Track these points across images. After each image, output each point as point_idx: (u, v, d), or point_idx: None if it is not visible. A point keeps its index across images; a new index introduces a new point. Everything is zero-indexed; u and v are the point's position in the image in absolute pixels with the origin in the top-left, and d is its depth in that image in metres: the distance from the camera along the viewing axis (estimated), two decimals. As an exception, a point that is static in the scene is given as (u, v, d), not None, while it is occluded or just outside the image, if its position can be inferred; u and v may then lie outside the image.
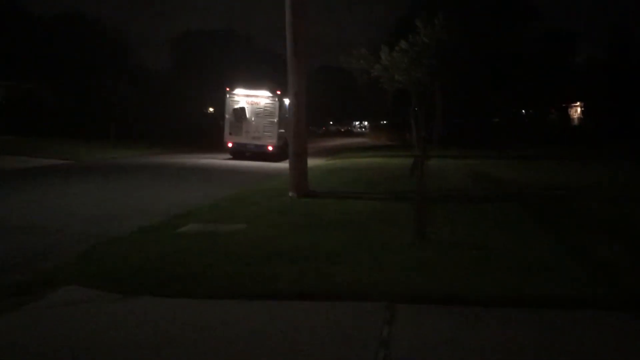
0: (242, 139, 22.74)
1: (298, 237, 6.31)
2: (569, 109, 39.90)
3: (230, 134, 22.90)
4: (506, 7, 30.36)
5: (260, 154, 22.23)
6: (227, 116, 23.29)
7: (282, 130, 22.31)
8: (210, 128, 43.05)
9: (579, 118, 39.65)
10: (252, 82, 24.13)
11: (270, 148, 22.59)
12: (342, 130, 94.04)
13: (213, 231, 6.74)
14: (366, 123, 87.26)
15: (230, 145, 22.94)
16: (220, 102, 26.64)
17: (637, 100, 32.12)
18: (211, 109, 52.78)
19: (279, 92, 22.83)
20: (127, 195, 10.63)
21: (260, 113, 22.88)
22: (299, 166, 9.79)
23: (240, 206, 8.96)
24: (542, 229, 7.32)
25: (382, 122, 55.98)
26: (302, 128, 9.77)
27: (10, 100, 32.00)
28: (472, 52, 26.13)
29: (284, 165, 18.90)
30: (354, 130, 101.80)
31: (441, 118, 30.11)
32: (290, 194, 9.80)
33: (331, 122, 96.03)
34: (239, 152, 22.91)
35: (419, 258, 5.35)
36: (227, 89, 23.60)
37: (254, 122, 22.98)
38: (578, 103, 39.18)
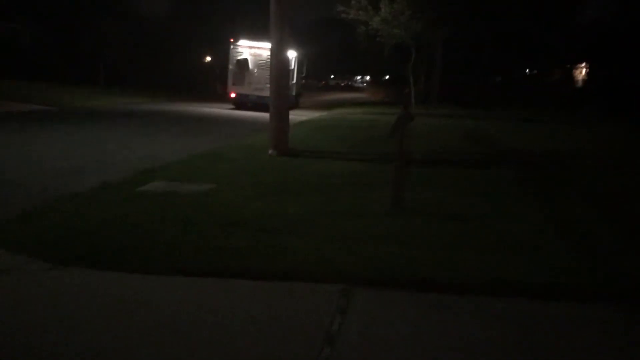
0: (245, 90, 22.93)
1: (265, 202, 5.81)
2: (574, 70, 38.71)
3: (233, 84, 23.21)
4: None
5: (262, 105, 20.12)
6: (230, 67, 23.53)
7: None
8: (207, 77, 42.17)
9: (583, 79, 38.52)
10: (256, 34, 23.33)
11: None
12: (342, 84, 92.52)
13: (175, 191, 6.23)
14: (368, 78, 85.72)
15: (233, 95, 23.31)
16: (221, 52, 28.18)
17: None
18: (208, 58, 51.49)
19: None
20: (100, 147, 10.07)
21: (263, 65, 22.15)
22: (279, 123, 9.23)
23: (215, 163, 8.44)
24: (532, 200, 6.83)
25: (383, 78, 54.86)
26: (283, 82, 9.17)
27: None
28: (474, 5, 25.08)
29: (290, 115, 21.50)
30: (355, 85, 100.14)
31: (440, 75, 29.26)
32: (269, 151, 9.27)
33: (332, 76, 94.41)
34: (242, 103, 22.99)
35: (391, 231, 4.87)
36: (231, 40, 23.73)
37: (256, 74, 22.94)
38: (583, 64, 37.98)
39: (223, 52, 26.67)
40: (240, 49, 23.52)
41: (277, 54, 9.04)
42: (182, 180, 6.95)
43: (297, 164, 8.47)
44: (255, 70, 23.34)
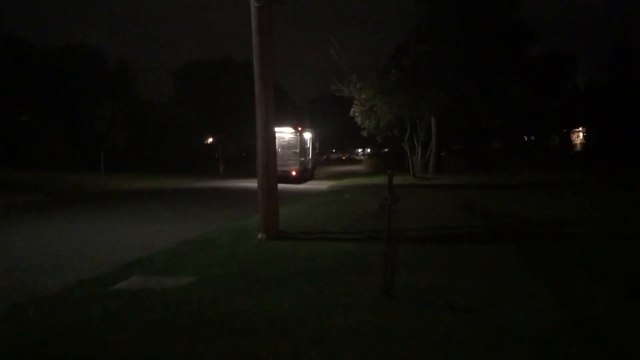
0: None
1: (247, 296, 5.40)
2: (571, 134, 39.05)
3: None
4: (505, 31, 29.84)
5: (285, 178, 26.09)
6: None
7: (302, 159, 29.54)
8: (212, 156, 43.13)
9: (581, 143, 38.77)
10: (278, 121, 25.44)
11: (293, 173, 28.51)
12: (343, 158, 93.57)
13: (152, 288, 5.86)
14: (368, 150, 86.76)
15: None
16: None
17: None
18: (211, 139, 52.52)
19: (299, 129, 29.49)
20: (87, 237, 9.75)
21: (285, 145, 28.18)
22: (268, 205, 8.93)
23: (201, 251, 8.11)
24: (539, 280, 6.25)
25: (383, 150, 55.61)
26: (272, 162, 8.94)
27: (4, 132, 31.61)
28: (470, 76, 25.55)
29: (303, 186, 27.08)
30: (356, 157, 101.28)
31: (437, 145, 29.37)
32: (259, 235, 8.93)
33: (334, 150, 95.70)
34: None
35: (379, 327, 4.42)
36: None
37: (280, 153, 25.42)
38: (580, 128, 38.35)
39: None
40: None
41: (264, 134, 8.89)
42: (162, 274, 6.60)
43: (287, 248, 8.09)
44: (280, 150, 25.67)
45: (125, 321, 4.62)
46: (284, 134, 28.78)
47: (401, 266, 6.40)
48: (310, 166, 32.46)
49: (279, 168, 24.03)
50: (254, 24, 8.77)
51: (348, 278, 6.18)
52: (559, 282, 6.15)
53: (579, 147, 38.86)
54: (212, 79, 57.68)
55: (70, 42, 44.72)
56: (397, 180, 22.10)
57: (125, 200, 17.49)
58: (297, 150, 29.34)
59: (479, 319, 4.66)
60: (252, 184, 19.42)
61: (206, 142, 49.10)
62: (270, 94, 8.82)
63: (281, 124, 27.76)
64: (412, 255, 7.37)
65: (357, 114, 27.70)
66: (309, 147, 32.09)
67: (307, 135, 31.70)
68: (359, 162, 79.86)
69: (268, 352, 3.89)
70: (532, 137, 37.97)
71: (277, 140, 25.67)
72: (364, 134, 28.90)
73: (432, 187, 22.10)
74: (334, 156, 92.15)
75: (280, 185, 21.87)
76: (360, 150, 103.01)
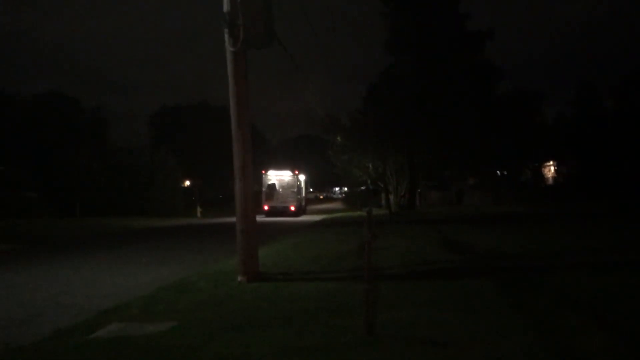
0: (274, 203, 35.27)
1: (228, 341, 5.33)
2: (542, 168, 39.91)
3: (266, 200, 35.41)
4: (473, 69, 30.70)
5: (286, 212, 34.54)
6: (263, 189, 35.62)
7: (299, 197, 36.26)
8: (189, 199, 43.14)
9: (552, 177, 39.64)
10: (278, 166, 37.77)
11: (292, 208, 35.05)
12: (321, 197, 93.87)
13: (130, 335, 5.75)
14: (345, 189, 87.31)
15: (266, 208, 35.14)
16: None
17: (608, 156, 32.18)
18: (187, 182, 52.40)
19: (296, 172, 36.56)
20: (65, 284, 9.53)
21: (285, 186, 35.78)
22: (247, 247, 8.89)
23: (180, 295, 8.00)
24: (517, 314, 6.29)
25: (360, 189, 56.01)
26: (249, 204, 8.95)
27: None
28: (438, 115, 26.18)
29: (300, 219, 32.83)
30: (333, 196, 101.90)
31: (410, 184, 29.76)
32: (238, 278, 8.86)
33: (311, 189, 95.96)
34: (272, 212, 34.53)
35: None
36: (263, 172, 36.22)
37: (281, 192, 35.54)
38: (551, 162, 39.27)
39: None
40: (269, 177, 35.91)
41: (241, 177, 8.93)
42: (141, 320, 6.48)
43: (267, 290, 8.04)
44: (280, 190, 35.52)
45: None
46: (284, 176, 36.07)
47: (382, 303, 6.44)
48: (304, 203, 39.75)
49: (281, 204, 34.66)
50: (230, 69, 8.93)
51: (330, 318, 6.16)
52: (538, 315, 6.22)
53: (550, 181, 39.70)
54: (188, 123, 58.13)
55: (44, 90, 44.84)
56: (375, 216, 22.43)
57: (102, 245, 17.20)
58: (295, 190, 35.91)
59: (461, 354, 4.70)
60: (228, 221, 19.55)
61: (183, 185, 48.91)
62: (247, 137, 8.92)
63: (281, 167, 36.67)
64: (393, 292, 7.41)
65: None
66: (303, 187, 39.21)
67: (302, 177, 38.61)
68: (336, 200, 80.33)
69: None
70: (505, 172, 38.69)
71: (278, 181, 35.73)
72: (340, 172, 29.95)
73: (408, 223, 22.28)
74: (311, 195, 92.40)
75: (281, 218, 29.12)
76: (337, 188, 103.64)
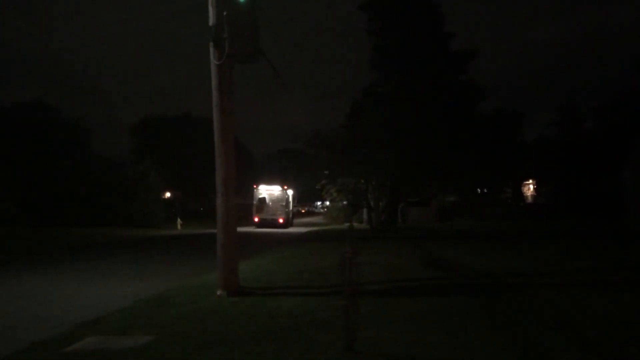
0: (264, 215, 38.32)
1: (207, 357, 5.29)
2: (522, 187, 40.42)
3: (257, 212, 38.49)
4: (455, 88, 31.09)
5: (274, 224, 37.46)
6: (254, 202, 38.89)
7: (287, 210, 39.34)
8: (169, 211, 42.91)
9: (532, 195, 40.16)
10: (268, 181, 41.30)
11: (281, 220, 38.12)
12: (303, 211, 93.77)
13: (107, 349, 5.67)
14: (327, 203, 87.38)
15: (256, 220, 38.39)
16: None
17: (587, 176, 32.70)
18: (168, 194, 52.03)
19: (285, 187, 39.93)
20: (42, 297, 9.35)
21: (275, 200, 38.80)
22: (228, 261, 8.84)
23: (159, 309, 7.90)
24: (497, 332, 6.36)
25: (341, 203, 56.11)
26: (231, 217, 8.91)
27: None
28: (419, 133, 26.43)
29: (288, 230, 35.66)
30: (315, 210, 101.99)
31: (391, 199, 29.93)
32: (218, 292, 8.79)
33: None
34: (262, 224, 37.48)
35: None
36: (254, 186, 39.62)
37: (271, 205, 38.58)
38: (530, 181, 39.80)
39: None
40: (260, 191, 38.97)
41: (224, 190, 8.90)
42: (119, 334, 6.39)
43: (247, 305, 7.98)
44: (270, 203, 38.55)
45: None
46: (274, 190, 39.24)
47: (363, 320, 6.43)
48: (291, 215, 42.96)
49: (270, 217, 38.41)
50: (214, 82, 8.94)
51: (310, 334, 6.14)
52: (517, 334, 6.28)
53: (530, 199, 40.22)
54: (171, 135, 57.86)
55: (24, 99, 44.44)
56: (356, 232, 22.52)
57: (80, 256, 16.96)
58: (284, 204, 39.00)
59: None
60: (209, 232, 19.44)
61: (164, 197, 48.51)
62: (231, 151, 8.91)
63: (271, 182, 40.33)
64: (374, 309, 7.42)
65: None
66: (290, 202, 42.28)
67: (290, 192, 41.71)
68: (319, 214, 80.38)
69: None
70: (485, 190, 39.09)
71: (268, 195, 39.37)
72: (320, 187, 30.40)
73: (390, 239, 22.34)
74: (294, 209, 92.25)
75: (269, 230, 31.26)
76: (319, 202, 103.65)
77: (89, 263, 14.96)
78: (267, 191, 39.40)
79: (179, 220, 39.87)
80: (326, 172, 30.35)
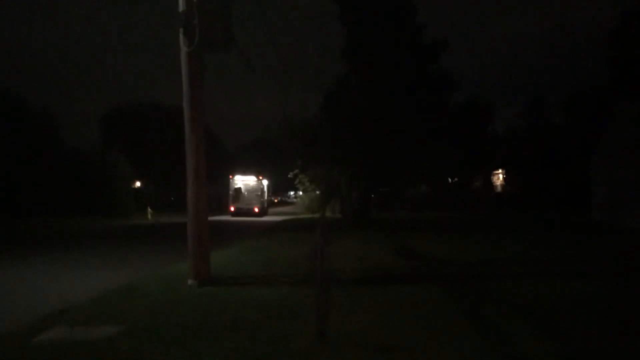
0: (240, 205, 39.68)
1: (177, 348, 5.24)
2: (492, 176, 41.06)
3: (233, 202, 39.95)
4: (427, 79, 31.28)
5: (250, 213, 39.09)
6: (230, 192, 40.33)
7: (262, 199, 41.05)
8: (139, 201, 42.41)
9: (501, 185, 40.85)
10: (244, 171, 42.29)
11: (256, 209, 39.79)
12: (276, 200, 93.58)
13: (75, 340, 5.57)
14: (300, 193, 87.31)
15: (232, 209, 39.76)
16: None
17: (554, 167, 33.37)
18: (138, 183, 51.32)
19: (260, 177, 41.40)
20: (5, 286, 9.18)
21: (250, 189, 40.39)
22: (199, 251, 8.76)
23: (129, 299, 7.78)
24: (467, 319, 6.49)
25: (315, 192, 56.17)
26: (202, 207, 8.83)
27: None
28: (391, 123, 26.52)
29: (263, 219, 36.87)
30: (288, 200, 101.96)
31: (364, 189, 30.08)
32: (189, 282, 8.71)
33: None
34: (238, 213, 38.93)
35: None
36: (230, 176, 40.86)
37: (247, 195, 40.12)
38: (500, 170, 40.45)
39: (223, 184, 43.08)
40: (236, 181, 40.32)
41: (194, 180, 8.81)
42: (87, 325, 6.28)
43: (219, 295, 7.94)
44: (246, 193, 40.12)
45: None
46: (249, 181, 40.78)
47: (334, 309, 6.47)
48: (266, 205, 44.60)
49: (246, 206, 40.10)
50: (184, 70, 8.80)
51: (282, 324, 6.14)
52: (486, 321, 6.41)
53: (499, 189, 40.90)
54: (140, 124, 56.98)
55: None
56: (329, 222, 22.56)
57: (48, 246, 16.63)
58: (259, 193, 40.67)
59: (411, 358, 4.77)
60: (179, 222, 19.33)
61: (133, 186, 47.82)
62: (201, 140, 8.81)
63: (247, 173, 41.40)
64: (345, 298, 7.46)
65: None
66: (265, 191, 43.69)
67: (265, 182, 42.98)
68: (292, 204, 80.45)
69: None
70: (456, 179, 39.57)
71: (243, 185, 41.18)
72: (292, 177, 30.58)
73: (362, 229, 22.47)
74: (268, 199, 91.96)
75: (245, 218, 33.75)
76: (292, 192, 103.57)
77: (57, 253, 14.67)
78: (243, 181, 40.78)
79: (149, 209, 39.38)
80: (299, 162, 30.33)
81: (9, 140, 34.94)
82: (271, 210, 54.12)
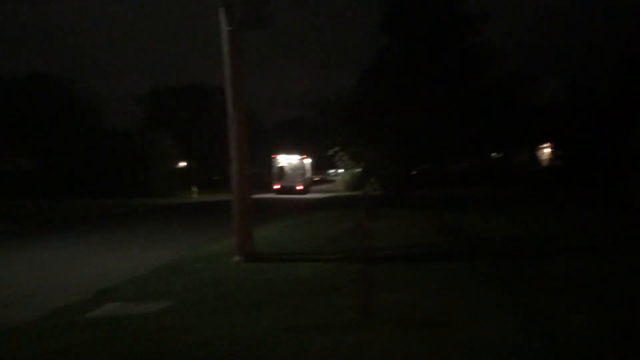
0: (283, 183, 41.05)
1: (223, 320, 5.39)
2: (537, 150, 39.94)
3: (277, 180, 41.28)
4: (467, 52, 30.51)
5: (293, 191, 40.39)
6: (274, 171, 41.88)
7: (305, 177, 42.58)
8: (184, 180, 43.35)
9: (548, 159, 39.71)
10: (287, 151, 43.08)
11: (298, 187, 41.15)
12: (316, 179, 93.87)
13: (127, 314, 5.80)
14: (340, 171, 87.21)
15: (276, 187, 41.04)
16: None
17: (603, 137, 32.21)
18: (182, 163, 52.34)
19: (303, 156, 43.39)
20: (60, 265, 9.58)
21: (293, 168, 41.94)
22: (243, 228, 8.93)
23: (176, 275, 8.05)
24: (509, 293, 6.40)
25: (355, 170, 56.08)
26: (245, 185, 8.97)
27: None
28: (431, 98, 26.02)
29: (306, 196, 37.56)
30: (328, 178, 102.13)
31: (403, 165, 29.77)
32: (234, 258, 8.90)
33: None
34: (281, 191, 40.29)
35: (352, 348, 4.43)
36: (273, 156, 42.51)
37: (290, 173, 41.67)
38: (546, 144, 39.28)
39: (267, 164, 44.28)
40: (279, 160, 41.99)
41: (238, 157, 8.93)
42: (138, 300, 6.52)
43: (263, 270, 8.09)
44: (289, 171, 41.68)
45: (103, 349, 4.56)
46: (292, 159, 42.35)
47: (377, 285, 6.49)
48: (308, 183, 45.54)
49: (289, 184, 41.78)
50: (225, 48, 8.86)
51: (326, 298, 6.22)
52: (530, 296, 6.30)
53: (545, 163, 39.81)
54: (183, 104, 57.87)
55: (31, 71, 44.37)
56: (369, 199, 22.57)
57: (97, 225, 17.22)
58: (302, 172, 42.19)
59: (454, 334, 4.75)
60: (223, 200, 19.66)
61: (178, 166, 48.80)
62: (244, 119, 8.90)
63: (289, 152, 42.88)
64: (387, 274, 7.47)
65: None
66: (308, 170, 45.47)
67: (307, 161, 45.00)
68: (332, 182, 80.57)
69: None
70: (500, 154, 38.59)
71: (287, 164, 43.16)
72: (332, 154, 30.43)
73: (403, 207, 22.34)
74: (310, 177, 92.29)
75: (288, 196, 34.63)
76: (332, 170, 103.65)
77: (105, 232, 15.18)
78: (286, 160, 42.27)
79: (194, 188, 40.13)
80: (338, 139, 30.20)
81: (55, 122, 36.00)
82: (312, 188, 54.72)
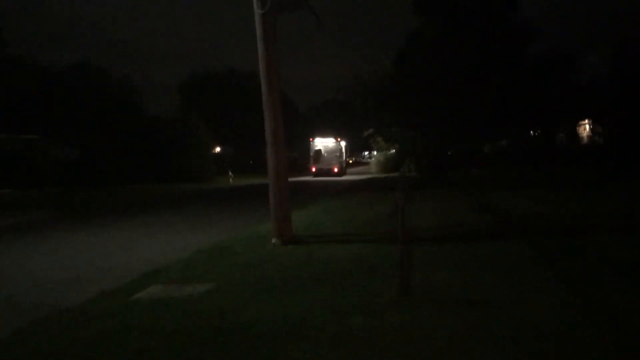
0: (320, 165, 42.85)
1: (265, 302, 5.44)
2: (578, 127, 38.86)
3: (314, 163, 43.20)
4: (504, 30, 29.74)
5: (330, 173, 41.99)
6: (311, 154, 43.69)
7: (341, 160, 43.88)
8: (220, 165, 43.90)
9: (588, 136, 38.65)
10: (322, 134, 44.98)
11: (335, 170, 42.65)
12: (350, 161, 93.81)
13: (171, 296, 5.93)
14: (375, 152, 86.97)
15: (314, 170, 43.00)
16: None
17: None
18: (218, 148, 52.93)
19: (339, 139, 44.36)
20: (104, 250, 9.85)
21: (329, 150, 43.44)
22: (281, 211, 8.99)
23: (217, 258, 8.17)
24: (554, 274, 6.24)
25: (390, 151, 55.76)
26: (281, 168, 9.00)
27: (8, 152, 31.68)
28: (468, 77, 25.51)
29: (343, 178, 39.42)
30: (362, 160, 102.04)
31: (441, 145, 29.39)
32: (273, 240, 8.98)
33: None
34: (319, 173, 42.15)
35: (395, 327, 4.43)
36: (310, 139, 44.46)
37: (326, 156, 43.18)
38: (586, 121, 38.18)
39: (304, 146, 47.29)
40: (316, 143, 43.61)
41: (273, 141, 8.96)
42: (181, 282, 6.65)
43: (301, 253, 8.14)
44: (325, 154, 43.24)
45: (149, 330, 4.67)
46: (329, 143, 43.71)
47: (416, 265, 6.46)
48: (344, 165, 47.02)
49: (326, 167, 44.34)
50: (258, 32, 8.86)
51: (364, 280, 6.22)
52: (572, 276, 6.17)
53: (586, 140, 38.78)
54: (217, 91, 58.39)
55: (74, 61, 45.27)
56: (406, 179, 22.38)
57: (138, 211, 17.60)
58: (338, 154, 43.40)
59: (498, 313, 4.70)
60: (259, 184, 19.87)
61: (213, 151, 49.40)
62: (278, 102, 8.91)
63: (326, 135, 44.46)
64: (427, 254, 7.43)
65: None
66: (344, 152, 46.15)
67: (343, 144, 45.59)
68: (366, 164, 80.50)
69: (290, 357, 3.93)
70: (538, 132, 37.73)
71: (323, 147, 45.70)
72: (367, 136, 30.48)
73: (440, 187, 22.12)
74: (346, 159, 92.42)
75: (324, 178, 36.68)
76: (366, 152, 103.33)
77: (146, 217, 15.51)
78: (322, 143, 43.51)
79: (230, 173, 40.61)
80: (373, 122, 30.02)
81: (98, 111, 36.78)
82: (348, 170, 54.87)
